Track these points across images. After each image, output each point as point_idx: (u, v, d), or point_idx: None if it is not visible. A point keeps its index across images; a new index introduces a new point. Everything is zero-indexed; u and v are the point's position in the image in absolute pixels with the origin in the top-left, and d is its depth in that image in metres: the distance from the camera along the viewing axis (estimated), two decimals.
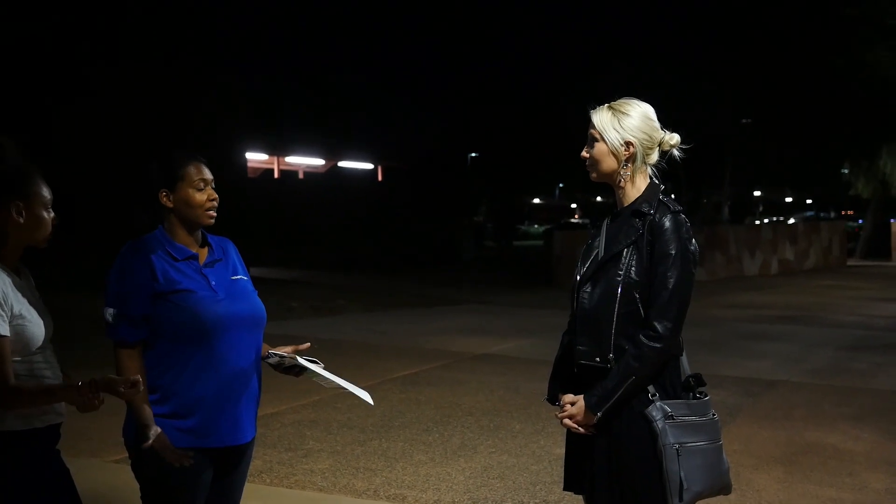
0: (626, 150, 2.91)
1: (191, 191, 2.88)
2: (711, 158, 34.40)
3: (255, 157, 29.37)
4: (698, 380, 2.91)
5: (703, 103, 30.99)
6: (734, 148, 37.09)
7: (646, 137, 2.92)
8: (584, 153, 2.98)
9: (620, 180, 2.94)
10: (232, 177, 23.00)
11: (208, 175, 2.93)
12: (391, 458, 6.08)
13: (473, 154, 43.23)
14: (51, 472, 2.67)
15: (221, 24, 26.17)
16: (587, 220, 63.27)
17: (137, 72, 21.69)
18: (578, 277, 2.98)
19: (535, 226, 67.75)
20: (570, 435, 3.00)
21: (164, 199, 2.89)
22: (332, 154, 31.77)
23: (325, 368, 3.01)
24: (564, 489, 3.10)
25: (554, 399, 3.06)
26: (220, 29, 25.89)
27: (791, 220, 51.37)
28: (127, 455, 2.95)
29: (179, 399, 2.79)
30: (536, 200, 72.34)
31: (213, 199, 2.92)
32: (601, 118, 2.93)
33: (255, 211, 24.44)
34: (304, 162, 31.81)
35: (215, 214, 2.94)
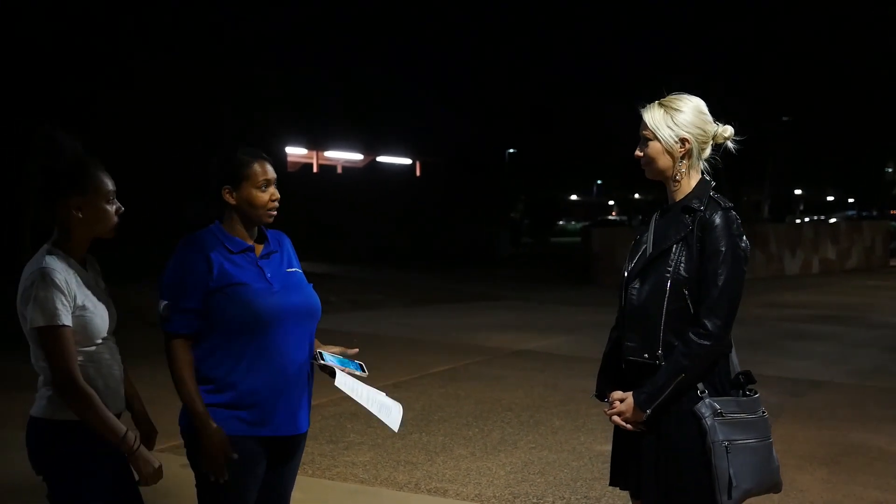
0: (681, 147, 2.88)
1: (255, 191, 2.90)
2: (751, 156, 34.00)
3: (295, 152, 29.54)
4: (748, 377, 2.88)
5: (743, 101, 30.69)
6: (774, 146, 36.68)
7: (700, 132, 2.88)
8: (637, 153, 2.94)
9: (677, 175, 2.90)
10: None
11: (272, 174, 2.94)
12: (432, 452, 6.11)
13: (511, 150, 43.17)
14: (111, 460, 2.71)
15: (261, 19, 26.34)
16: (625, 218, 62.97)
17: (178, 66, 21.90)
18: (626, 273, 2.96)
19: (573, 222, 67.48)
20: (618, 431, 2.99)
21: (228, 195, 2.91)
22: (370, 149, 31.88)
23: (362, 381, 3.04)
24: (610, 484, 3.09)
25: (602, 395, 3.05)
26: (259, 24, 26.06)
27: (833, 220, 50.69)
28: (175, 444, 2.98)
29: (234, 389, 2.82)
30: (574, 197, 72.07)
31: (274, 200, 2.94)
32: (653, 116, 2.89)
33: (294, 205, 24.54)
34: (343, 156, 31.94)
35: (275, 214, 2.96)
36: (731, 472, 2.71)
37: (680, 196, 2.92)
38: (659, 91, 2.99)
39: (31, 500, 3.87)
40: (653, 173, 2.95)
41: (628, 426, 2.87)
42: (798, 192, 63.80)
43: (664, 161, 2.90)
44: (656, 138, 2.88)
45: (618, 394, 2.91)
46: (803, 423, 7.10)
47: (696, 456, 2.75)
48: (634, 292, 2.89)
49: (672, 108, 2.89)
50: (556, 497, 5.19)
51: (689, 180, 2.91)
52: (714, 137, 2.92)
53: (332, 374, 2.98)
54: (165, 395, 4.70)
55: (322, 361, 2.98)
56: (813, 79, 32.31)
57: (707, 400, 2.76)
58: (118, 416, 2.74)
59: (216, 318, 2.81)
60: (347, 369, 3.01)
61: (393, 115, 30.81)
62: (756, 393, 2.88)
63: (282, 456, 2.98)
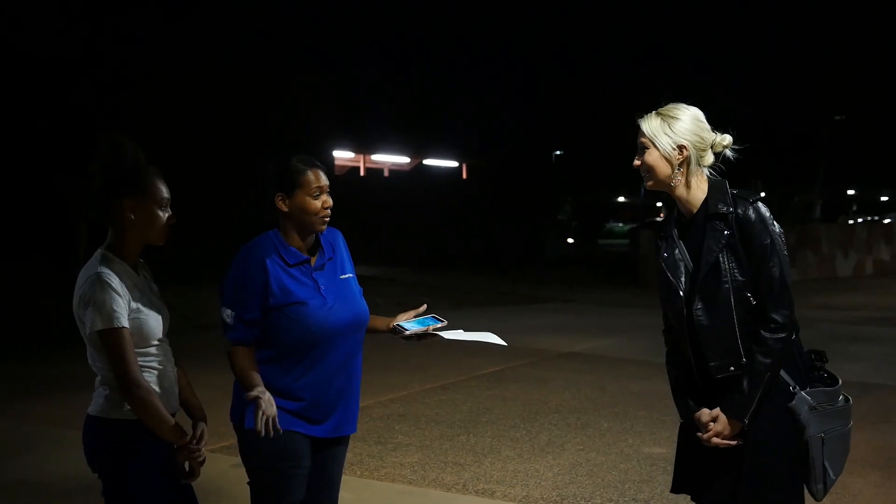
0: (679, 154, 2.89)
1: (307, 199, 2.96)
2: (803, 156, 33.56)
3: (342, 156, 29.72)
4: (820, 355, 2.95)
5: (794, 100, 30.33)
6: (827, 145, 36.16)
7: (698, 139, 2.91)
8: (636, 161, 2.96)
9: (674, 183, 2.91)
10: None
11: (325, 181, 3.00)
12: (479, 454, 6.13)
13: (558, 152, 43.02)
14: (165, 458, 2.78)
15: (308, 23, 26.61)
16: None
17: (227, 73, 22.19)
18: (681, 293, 2.90)
19: (620, 224, 66.99)
20: (682, 437, 3.00)
21: (281, 203, 2.97)
22: (417, 152, 31.98)
23: (447, 328, 3.16)
24: (672, 491, 3.08)
25: (690, 417, 2.95)
26: (306, 28, 26.32)
27: (887, 220, 49.75)
28: (227, 444, 3.05)
29: (284, 394, 2.92)
30: (621, 199, 71.51)
31: (327, 207, 3.00)
32: (650, 125, 2.92)
33: (341, 208, 24.68)
34: (390, 160, 32.08)
35: (328, 221, 3.02)
36: (826, 462, 2.81)
37: (694, 204, 2.92)
38: (704, 92, 3.01)
39: (87, 497, 3.97)
40: (654, 182, 2.95)
41: (731, 443, 2.82)
42: (851, 192, 62.72)
43: (663, 168, 2.91)
44: (654, 146, 2.91)
45: (706, 414, 2.86)
46: (856, 426, 6.91)
47: (790, 451, 2.80)
48: (700, 314, 2.86)
49: (670, 116, 2.92)
50: (604, 499, 5.18)
51: (697, 188, 2.92)
52: (713, 146, 2.94)
53: (420, 338, 3.12)
54: (220, 397, 4.78)
55: (406, 333, 3.10)
56: (865, 77, 31.81)
57: (800, 394, 2.80)
58: (173, 415, 2.80)
59: (273, 333, 2.92)
60: (430, 327, 3.13)
61: (439, 119, 30.89)
62: (838, 381, 2.93)
63: (327, 455, 3.08)
